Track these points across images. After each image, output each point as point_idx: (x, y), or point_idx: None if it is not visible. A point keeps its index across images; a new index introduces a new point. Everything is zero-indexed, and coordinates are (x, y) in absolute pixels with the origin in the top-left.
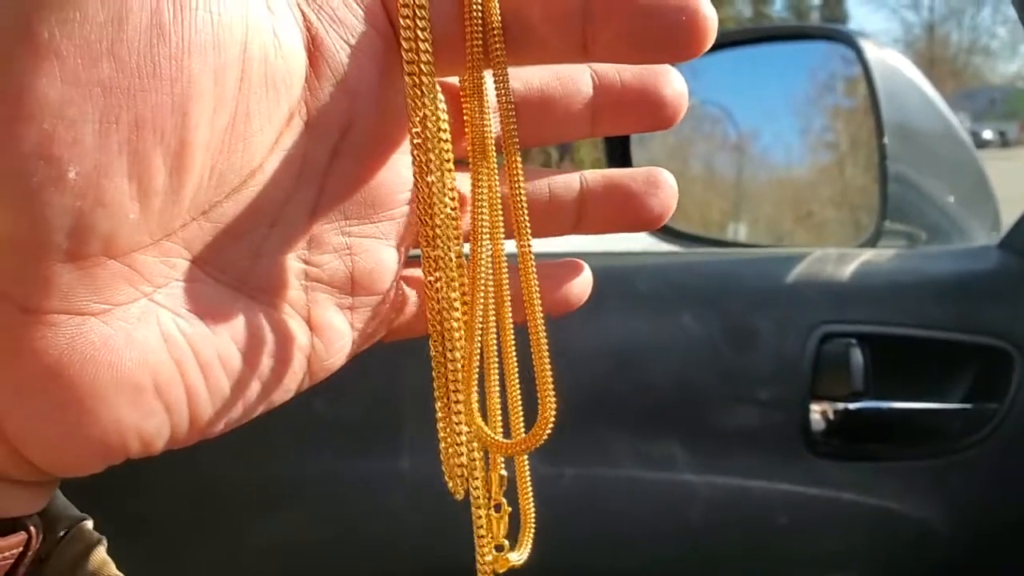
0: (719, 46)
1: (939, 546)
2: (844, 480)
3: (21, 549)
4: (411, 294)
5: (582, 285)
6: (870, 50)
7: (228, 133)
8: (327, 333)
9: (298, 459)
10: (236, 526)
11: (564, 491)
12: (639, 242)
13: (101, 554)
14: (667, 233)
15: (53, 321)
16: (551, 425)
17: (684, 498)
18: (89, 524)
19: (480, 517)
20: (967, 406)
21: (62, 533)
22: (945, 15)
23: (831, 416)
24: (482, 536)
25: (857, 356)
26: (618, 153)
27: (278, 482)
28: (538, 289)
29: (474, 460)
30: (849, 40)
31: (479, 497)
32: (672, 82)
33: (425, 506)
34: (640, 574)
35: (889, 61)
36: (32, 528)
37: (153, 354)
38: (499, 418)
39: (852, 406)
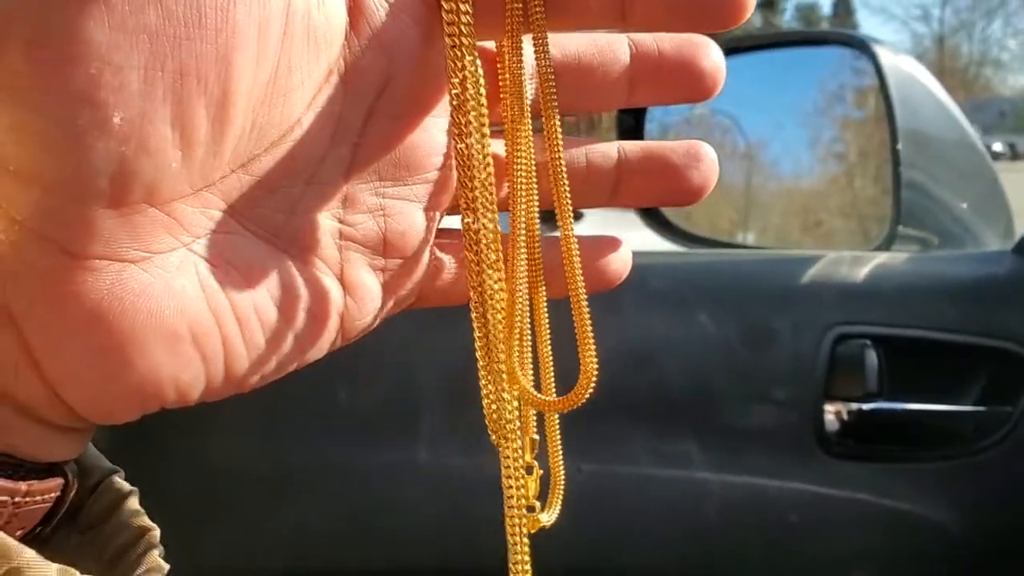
0: (730, 52)
1: (951, 547)
2: (857, 480)
3: (58, 494)
4: (444, 260)
5: (620, 261)
6: (884, 56)
7: (269, 86)
8: (359, 292)
9: (315, 448)
10: (252, 512)
11: (579, 487)
12: (652, 244)
13: (133, 504)
14: (680, 236)
15: (94, 266)
16: (593, 383)
17: (698, 496)
18: (121, 475)
19: (509, 477)
20: (980, 408)
21: (94, 483)
22: (955, 27)
23: (845, 416)
24: (510, 489)
25: (871, 357)
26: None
27: (295, 470)
28: (578, 252)
29: (517, 418)
30: (863, 46)
31: (508, 455)
32: (711, 54)
33: (441, 497)
34: (654, 571)
35: (904, 67)
36: (69, 474)
37: (191, 303)
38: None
39: (866, 407)
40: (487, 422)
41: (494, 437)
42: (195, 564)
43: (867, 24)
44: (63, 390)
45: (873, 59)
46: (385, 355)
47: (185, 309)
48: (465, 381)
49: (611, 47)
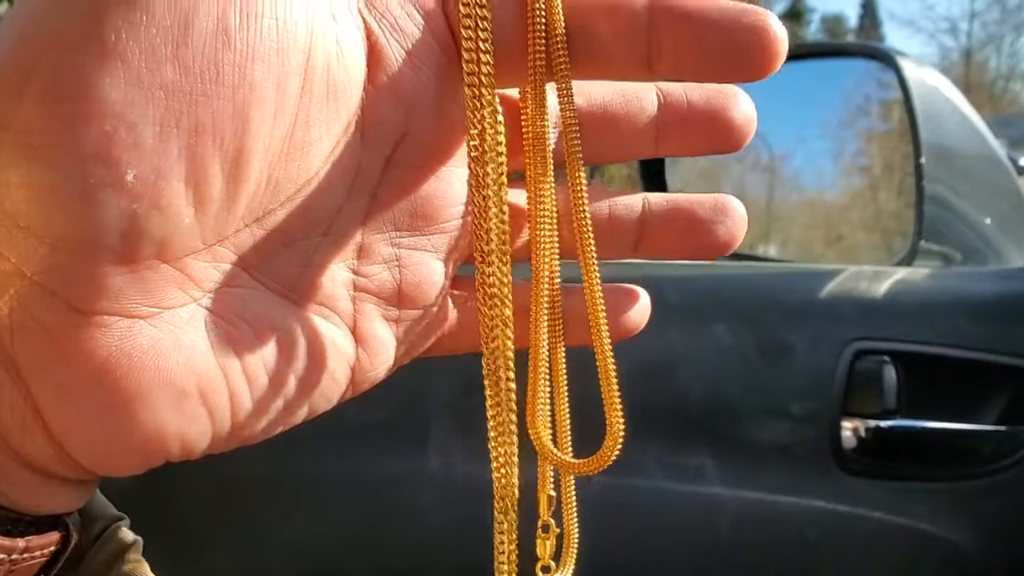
0: None
1: (968, 568)
2: (874, 498)
3: (57, 547)
4: (457, 310)
5: (640, 312)
6: (909, 69)
7: (287, 141)
8: (372, 344)
9: (325, 457)
10: (264, 522)
11: (593, 500)
12: None
13: (136, 555)
14: None
15: (103, 323)
16: (620, 445)
17: (713, 511)
18: (126, 524)
19: (503, 543)
20: (1000, 428)
21: (98, 532)
22: (984, 41)
23: (862, 433)
24: (502, 564)
25: (890, 374)
26: (652, 172)
27: (306, 479)
28: (604, 307)
29: (515, 483)
30: (888, 58)
31: (503, 522)
32: (741, 104)
33: (451, 506)
34: None
35: (928, 81)
36: (70, 526)
37: (200, 360)
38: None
39: (884, 424)
40: (495, 489)
41: (500, 505)
42: (208, 573)
43: (894, 37)
44: (69, 445)
45: (897, 72)
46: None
47: (194, 366)
48: (476, 390)
49: (638, 96)
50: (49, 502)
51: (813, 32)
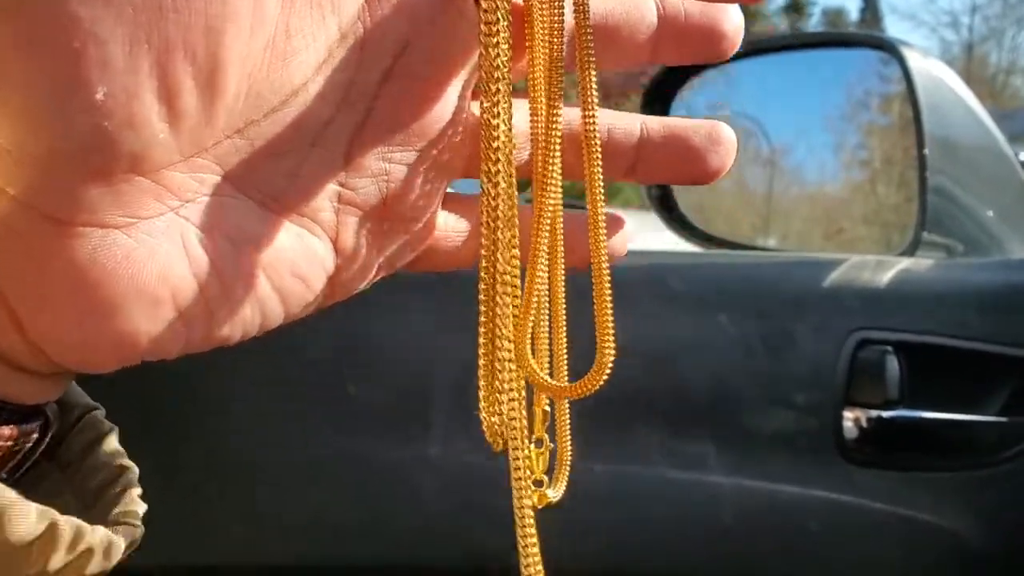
0: (756, 52)
1: (972, 560)
2: (877, 488)
3: (37, 435)
4: (450, 224)
5: (622, 240)
6: (913, 59)
7: (267, 51)
8: (352, 256)
9: (329, 443)
10: (261, 504)
11: (593, 487)
12: (672, 244)
13: (113, 442)
14: (701, 237)
15: (77, 232)
16: (608, 371)
17: (714, 499)
18: (101, 413)
19: (518, 459)
20: (1003, 419)
21: (75, 419)
22: (985, 35)
23: (864, 423)
24: (519, 479)
25: (893, 364)
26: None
27: (308, 464)
28: (605, 226)
29: (515, 403)
30: (892, 48)
31: (517, 437)
32: (732, 17)
33: (455, 492)
34: (667, 573)
35: (933, 71)
36: (49, 415)
37: (175, 268)
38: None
39: (886, 414)
40: (482, 416)
41: (488, 436)
42: (208, 557)
43: (895, 30)
44: (45, 346)
45: (901, 62)
46: (401, 350)
47: (168, 275)
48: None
49: (638, 7)
50: (27, 393)
51: (814, 25)
